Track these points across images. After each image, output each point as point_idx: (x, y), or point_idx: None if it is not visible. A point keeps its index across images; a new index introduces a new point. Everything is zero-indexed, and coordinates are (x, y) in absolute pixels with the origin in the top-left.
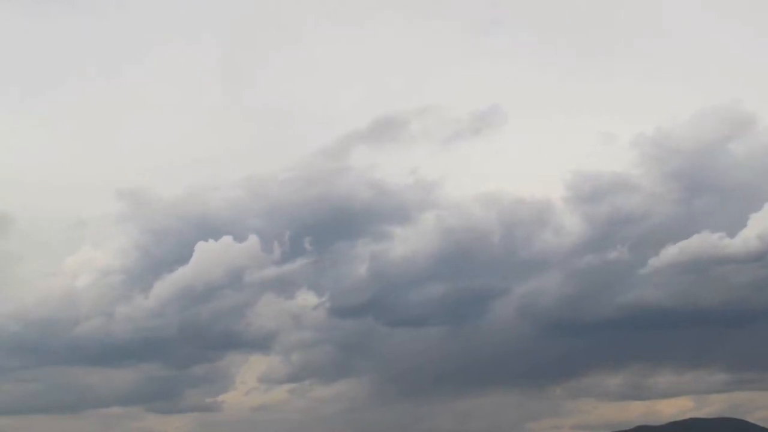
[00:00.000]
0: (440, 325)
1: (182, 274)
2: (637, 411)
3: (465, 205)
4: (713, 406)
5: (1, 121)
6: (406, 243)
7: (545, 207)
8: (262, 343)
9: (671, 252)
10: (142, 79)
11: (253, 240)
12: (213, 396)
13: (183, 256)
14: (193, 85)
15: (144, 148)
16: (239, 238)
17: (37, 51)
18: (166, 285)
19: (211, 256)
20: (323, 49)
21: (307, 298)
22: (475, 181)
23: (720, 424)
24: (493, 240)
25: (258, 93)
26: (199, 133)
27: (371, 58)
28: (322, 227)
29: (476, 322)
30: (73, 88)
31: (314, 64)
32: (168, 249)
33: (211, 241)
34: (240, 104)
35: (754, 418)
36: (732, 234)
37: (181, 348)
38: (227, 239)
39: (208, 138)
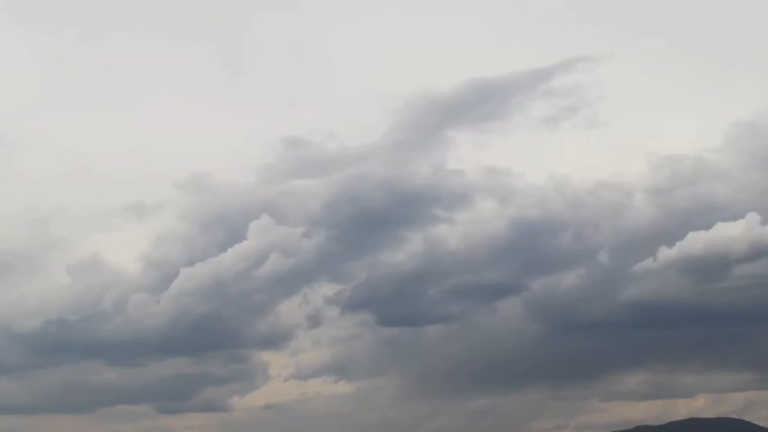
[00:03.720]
0: (467, 321)
1: (216, 265)
2: (644, 410)
3: (536, 190)
4: (725, 406)
5: (64, 113)
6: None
7: (624, 194)
8: (288, 337)
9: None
10: (204, 65)
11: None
12: (236, 394)
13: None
14: (254, 72)
15: (204, 135)
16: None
17: (96, 40)
18: (188, 279)
19: (251, 247)
20: (396, 23)
21: (329, 292)
22: (552, 165)
23: (720, 423)
24: (553, 231)
25: (327, 71)
26: (260, 118)
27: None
28: (383, 215)
29: (505, 318)
30: (135, 79)
31: (385, 40)
32: (212, 240)
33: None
34: (304, 86)
35: (753, 417)
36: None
37: (202, 344)
38: (281, 228)
39: (270, 123)
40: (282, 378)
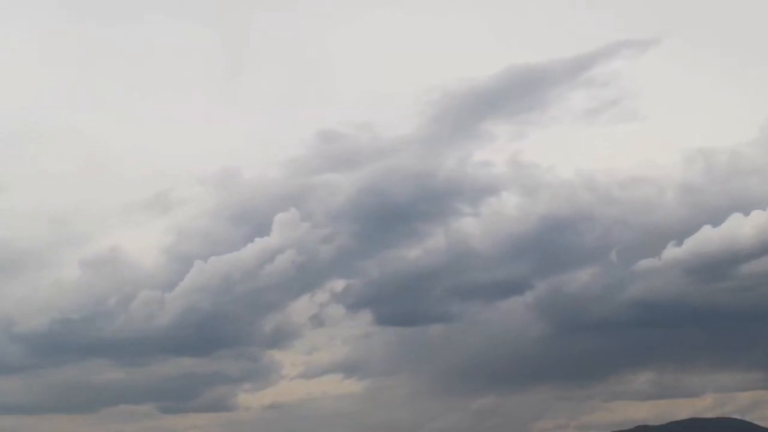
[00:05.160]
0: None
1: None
2: (647, 410)
3: (564, 185)
4: (731, 406)
5: (84, 111)
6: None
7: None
8: (297, 336)
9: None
10: (220, 60)
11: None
12: (242, 393)
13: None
14: (277, 68)
15: (230, 130)
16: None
17: (114, 33)
18: (202, 272)
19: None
20: (420, 16)
21: (336, 288)
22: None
23: (721, 423)
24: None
25: (341, 66)
26: (286, 111)
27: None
28: (406, 210)
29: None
30: (152, 73)
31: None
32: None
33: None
34: (323, 81)
35: (757, 417)
36: None
37: (209, 342)
38: (305, 225)
39: (295, 116)
40: (288, 377)
